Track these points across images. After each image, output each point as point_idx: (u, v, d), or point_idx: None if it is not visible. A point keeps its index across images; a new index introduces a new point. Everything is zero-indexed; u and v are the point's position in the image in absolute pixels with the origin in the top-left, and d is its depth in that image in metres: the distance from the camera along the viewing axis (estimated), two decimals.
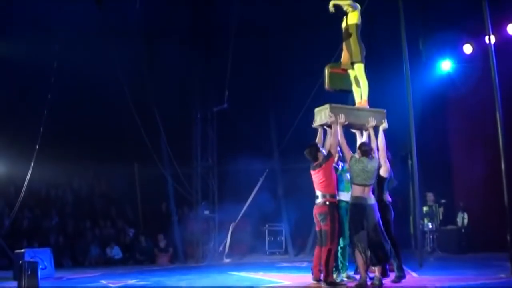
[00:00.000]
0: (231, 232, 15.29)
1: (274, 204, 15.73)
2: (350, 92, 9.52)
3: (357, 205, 8.30)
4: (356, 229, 8.29)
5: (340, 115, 8.67)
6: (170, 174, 15.56)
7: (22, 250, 11.66)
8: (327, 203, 8.52)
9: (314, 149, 8.73)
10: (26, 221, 15.01)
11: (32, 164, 12.85)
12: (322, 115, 8.94)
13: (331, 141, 8.68)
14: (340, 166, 9.12)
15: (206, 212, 15.67)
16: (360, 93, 9.24)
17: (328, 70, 9.50)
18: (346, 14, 9.20)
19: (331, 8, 9.08)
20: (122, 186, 17.27)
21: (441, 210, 15.08)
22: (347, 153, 8.54)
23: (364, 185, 8.28)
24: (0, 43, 13.89)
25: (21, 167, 13.61)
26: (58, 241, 14.72)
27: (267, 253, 16.09)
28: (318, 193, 8.65)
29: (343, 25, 9.25)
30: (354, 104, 9.41)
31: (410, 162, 12.54)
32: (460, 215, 14.86)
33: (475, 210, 14.62)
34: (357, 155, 8.44)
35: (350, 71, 9.30)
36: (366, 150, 8.42)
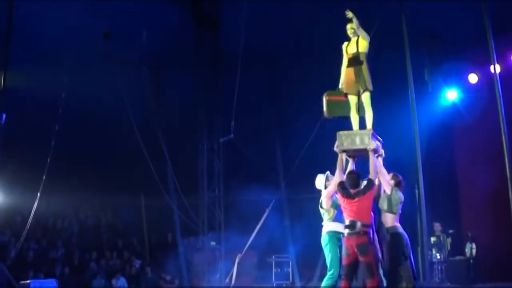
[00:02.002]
0: (237, 263, 15.17)
1: (280, 235, 15.63)
2: (348, 118, 9.26)
3: (396, 234, 8.07)
4: (399, 260, 7.95)
5: (375, 142, 8.43)
6: (177, 205, 15.54)
7: (28, 281, 11.64)
8: (361, 232, 7.91)
9: (357, 176, 8.29)
10: (32, 252, 14.96)
11: (39, 194, 12.88)
12: (351, 139, 8.48)
13: (372, 168, 8.30)
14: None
15: (212, 243, 15.59)
16: (358, 120, 8.98)
17: (325, 98, 9.21)
18: (350, 39, 9.01)
19: (349, 14, 8.70)
20: (129, 216, 17.26)
21: (449, 240, 14.92)
22: (388, 182, 8.25)
23: (395, 214, 8.13)
24: (8, 74, 14.04)
25: (28, 198, 13.63)
26: (64, 272, 14.62)
27: (274, 284, 15.86)
28: (352, 221, 8.00)
29: (352, 50, 8.90)
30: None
31: (417, 192, 12.52)
32: (468, 245, 14.69)
33: (483, 240, 14.45)
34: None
35: (350, 97, 8.90)
36: (400, 181, 8.28)
